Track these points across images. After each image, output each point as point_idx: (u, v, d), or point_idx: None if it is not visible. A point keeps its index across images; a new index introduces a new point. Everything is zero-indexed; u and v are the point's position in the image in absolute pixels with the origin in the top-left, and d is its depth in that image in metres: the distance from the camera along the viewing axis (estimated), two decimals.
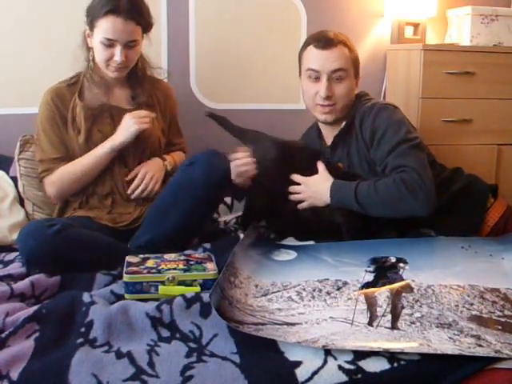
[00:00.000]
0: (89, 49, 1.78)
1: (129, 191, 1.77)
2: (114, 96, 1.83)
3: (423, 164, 1.60)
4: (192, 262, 1.45)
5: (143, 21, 1.73)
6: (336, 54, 1.73)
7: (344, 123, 1.79)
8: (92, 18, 1.71)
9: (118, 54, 1.69)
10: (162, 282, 1.35)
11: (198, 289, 1.34)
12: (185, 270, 1.40)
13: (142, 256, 1.50)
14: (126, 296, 1.35)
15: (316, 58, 1.75)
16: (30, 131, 2.02)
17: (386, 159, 1.63)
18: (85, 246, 1.53)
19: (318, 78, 1.75)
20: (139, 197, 1.78)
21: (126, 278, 1.36)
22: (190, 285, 1.36)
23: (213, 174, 1.66)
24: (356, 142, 1.76)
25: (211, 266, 1.42)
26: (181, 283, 1.36)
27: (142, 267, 1.41)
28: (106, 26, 1.67)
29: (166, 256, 1.49)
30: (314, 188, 1.69)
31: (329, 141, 1.86)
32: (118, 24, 1.67)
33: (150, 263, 1.44)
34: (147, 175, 1.77)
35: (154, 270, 1.39)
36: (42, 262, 1.47)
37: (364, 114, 1.72)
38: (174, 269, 1.40)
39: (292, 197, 1.72)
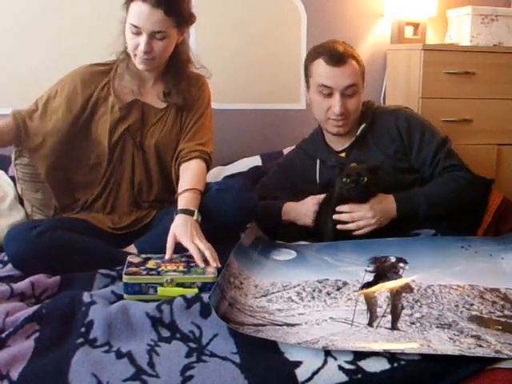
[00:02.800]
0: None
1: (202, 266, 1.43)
2: (146, 89, 1.75)
3: (464, 163, 1.81)
4: (192, 264, 1.44)
5: (174, 12, 1.59)
6: (348, 70, 1.75)
7: (361, 128, 1.83)
8: (126, 0, 1.62)
9: (142, 43, 1.58)
10: (161, 284, 1.35)
11: (196, 291, 1.33)
12: (184, 272, 1.39)
13: (143, 256, 1.50)
14: (125, 296, 1.35)
15: (328, 74, 1.75)
16: None
17: (435, 159, 1.78)
18: (68, 248, 1.50)
19: (330, 93, 1.76)
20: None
21: (125, 278, 1.36)
22: (189, 287, 1.36)
23: (244, 206, 1.62)
24: (375, 144, 1.82)
25: (211, 269, 1.41)
26: (179, 285, 1.36)
27: (142, 268, 1.41)
28: (133, 11, 1.58)
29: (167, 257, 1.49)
30: (379, 209, 1.68)
31: (336, 146, 1.89)
32: (143, 10, 1.56)
33: (151, 264, 1.44)
34: (203, 252, 1.47)
35: (153, 272, 1.39)
36: (27, 265, 1.46)
37: (390, 120, 1.82)
38: (174, 270, 1.40)
39: (353, 226, 1.68)
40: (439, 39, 2.66)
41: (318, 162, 1.91)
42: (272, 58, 2.48)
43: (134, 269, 1.40)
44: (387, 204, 1.69)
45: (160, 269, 1.41)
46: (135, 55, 1.64)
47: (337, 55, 1.75)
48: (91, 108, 1.72)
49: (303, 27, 2.49)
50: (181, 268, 1.42)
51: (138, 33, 1.59)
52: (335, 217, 1.69)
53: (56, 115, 1.70)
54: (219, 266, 1.42)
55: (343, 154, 1.87)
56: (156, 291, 1.35)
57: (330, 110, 1.77)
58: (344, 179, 1.66)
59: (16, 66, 2.23)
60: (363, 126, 1.83)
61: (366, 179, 1.65)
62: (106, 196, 1.75)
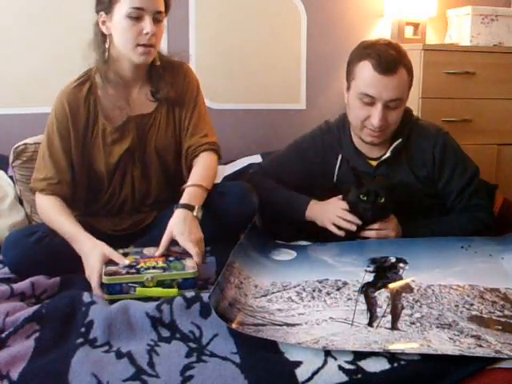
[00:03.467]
0: (104, 38, 1.61)
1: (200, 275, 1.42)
2: (133, 97, 1.69)
3: (488, 200, 1.77)
4: (171, 259, 1.41)
5: None
6: (396, 81, 1.59)
7: (395, 144, 1.71)
8: None
9: (147, 25, 1.52)
10: (141, 283, 1.33)
11: (176, 291, 1.31)
12: (164, 269, 1.36)
13: (121, 251, 1.46)
14: (106, 297, 1.32)
15: (374, 83, 1.59)
16: (30, 131, 2.02)
17: (462, 195, 1.72)
18: (67, 254, 1.48)
19: (371, 102, 1.62)
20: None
21: (104, 279, 1.33)
22: (170, 284, 1.33)
23: (245, 210, 1.61)
24: (408, 162, 1.73)
25: (191, 263, 1.38)
26: (160, 283, 1.33)
27: (121, 266, 1.38)
28: None
29: (146, 251, 1.46)
30: (399, 231, 1.66)
31: (366, 150, 1.77)
32: None
33: (130, 259, 1.41)
34: (200, 254, 1.43)
35: (133, 270, 1.36)
36: (26, 272, 1.45)
37: (428, 142, 1.72)
38: (154, 267, 1.37)
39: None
40: (439, 39, 2.67)
41: (339, 157, 1.79)
42: (272, 58, 2.48)
43: (113, 268, 1.37)
44: (401, 227, 1.68)
45: (139, 266, 1.38)
46: (136, 46, 1.56)
47: (388, 62, 1.57)
48: (83, 131, 1.64)
49: (303, 27, 2.49)
50: (160, 264, 1.39)
51: (139, 17, 1.54)
52: (363, 234, 1.65)
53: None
54: (200, 263, 1.40)
55: (374, 163, 1.76)
56: (135, 290, 1.33)
57: (368, 120, 1.63)
58: (361, 196, 1.63)
59: (16, 66, 2.22)
60: (399, 141, 1.71)
61: (383, 200, 1.62)
62: (106, 211, 1.73)
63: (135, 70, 1.66)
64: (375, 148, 1.74)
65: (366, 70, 1.60)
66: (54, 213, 1.56)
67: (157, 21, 1.57)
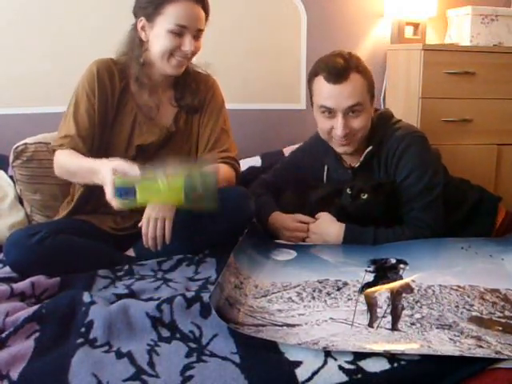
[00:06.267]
0: (141, 43, 1.64)
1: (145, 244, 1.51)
2: (158, 98, 1.73)
3: (439, 219, 1.66)
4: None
5: (207, 7, 1.62)
6: (350, 87, 1.60)
7: (366, 152, 1.71)
8: (157, 4, 1.56)
9: (187, 42, 1.57)
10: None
11: (180, 187, 1.33)
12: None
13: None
14: (117, 202, 1.36)
15: (328, 94, 1.62)
16: (30, 131, 2.01)
17: (408, 205, 1.65)
18: (69, 254, 1.50)
19: (332, 113, 1.64)
20: (154, 248, 1.52)
21: (114, 180, 1.35)
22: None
23: (242, 216, 1.63)
24: (378, 168, 1.72)
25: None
26: None
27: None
28: (178, 11, 1.55)
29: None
30: (316, 239, 1.68)
31: (346, 158, 1.79)
32: (190, 8, 1.56)
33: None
34: (150, 222, 1.50)
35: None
36: (27, 271, 1.45)
37: (393, 145, 1.67)
38: None
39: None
40: (439, 39, 2.67)
41: (325, 167, 1.84)
42: (272, 58, 2.48)
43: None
44: (332, 235, 1.66)
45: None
46: (170, 57, 1.60)
47: (336, 71, 1.59)
48: (104, 108, 1.65)
49: (303, 27, 2.49)
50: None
51: (181, 34, 1.57)
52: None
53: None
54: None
55: (350, 171, 1.78)
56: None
57: (333, 131, 1.66)
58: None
59: (16, 66, 2.22)
60: (369, 149, 1.70)
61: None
62: (107, 209, 1.72)
63: (165, 77, 1.69)
64: (354, 156, 1.75)
65: (319, 84, 1.64)
66: (71, 158, 1.58)
67: (197, 37, 1.61)
